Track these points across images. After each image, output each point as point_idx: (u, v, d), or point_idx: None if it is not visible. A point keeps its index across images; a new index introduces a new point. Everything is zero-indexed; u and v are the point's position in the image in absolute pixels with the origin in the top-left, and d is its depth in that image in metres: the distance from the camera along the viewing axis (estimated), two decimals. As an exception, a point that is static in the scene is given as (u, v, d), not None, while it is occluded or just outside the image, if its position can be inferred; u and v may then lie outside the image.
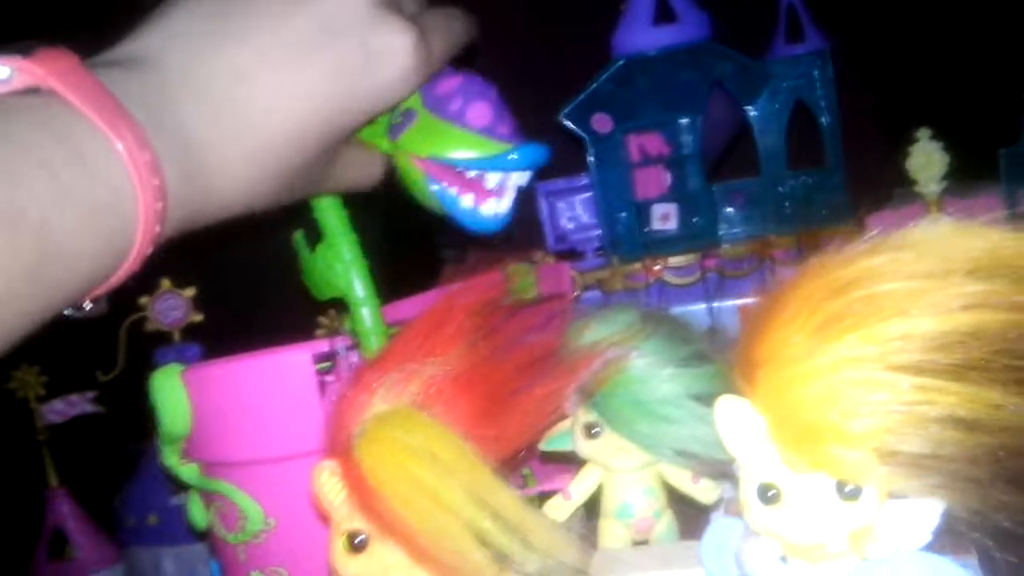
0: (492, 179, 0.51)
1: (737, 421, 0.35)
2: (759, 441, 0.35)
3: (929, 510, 0.32)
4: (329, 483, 0.38)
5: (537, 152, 0.51)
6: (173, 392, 0.54)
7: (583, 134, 0.87)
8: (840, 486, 0.33)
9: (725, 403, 0.35)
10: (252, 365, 0.54)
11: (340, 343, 0.56)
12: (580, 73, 0.89)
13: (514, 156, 0.49)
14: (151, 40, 0.44)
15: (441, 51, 0.51)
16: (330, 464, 0.38)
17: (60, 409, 1.06)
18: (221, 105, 0.43)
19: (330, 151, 0.48)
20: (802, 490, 0.33)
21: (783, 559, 0.36)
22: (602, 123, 0.86)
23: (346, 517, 0.38)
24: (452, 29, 0.52)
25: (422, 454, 0.35)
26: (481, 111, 0.50)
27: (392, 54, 0.47)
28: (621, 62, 0.86)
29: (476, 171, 0.50)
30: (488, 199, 0.51)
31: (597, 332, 0.48)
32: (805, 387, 0.32)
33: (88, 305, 0.41)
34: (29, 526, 1.06)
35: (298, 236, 0.59)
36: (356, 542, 0.38)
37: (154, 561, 1.01)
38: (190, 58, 0.43)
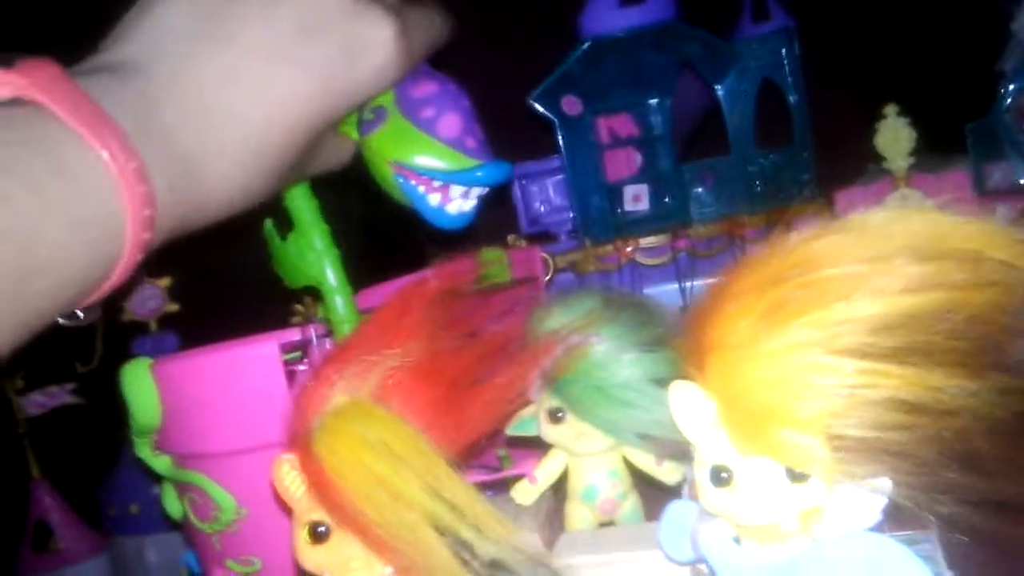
0: (456, 190, 0.52)
1: (689, 406, 0.36)
2: (711, 425, 0.35)
3: (877, 491, 0.33)
4: (290, 476, 0.39)
5: (499, 171, 0.51)
6: (143, 386, 0.54)
7: (553, 117, 0.87)
8: (789, 468, 0.34)
9: (677, 388, 0.36)
10: (219, 357, 0.54)
11: (313, 331, 0.57)
12: (549, 55, 0.89)
13: (478, 174, 0.50)
14: (134, 45, 0.44)
15: (421, 45, 0.51)
16: (290, 457, 0.39)
17: (40, 401, 1.07)
18: (208, 109, 0.43)
19: (314, 143, 0.49)
20: (753, 473, 0.34)
21: (736, 540, 0.36)
22: (571, 105, 0.87)
23: (307, 509, 0.39)
24: (432, 25, 0.52)
25: (378, 447, 0.36)
26: (452, 122, 0.50)
27: (374, 45, 0.47)
28: (588, 44, 0.86)
29: (439, 180, 0.51)
30: (454, 200, 0.52)
31: (559, 318, 0.49)
32: (752, 372, 0.33)
33: (81, 314, 0.42)
34: (12, 518, 1.07)
35: (268, 225, 0.60)
36: (318, 532, 0.38)
37: (137, 549, 1.02)
38: (174, 62, 0.43)
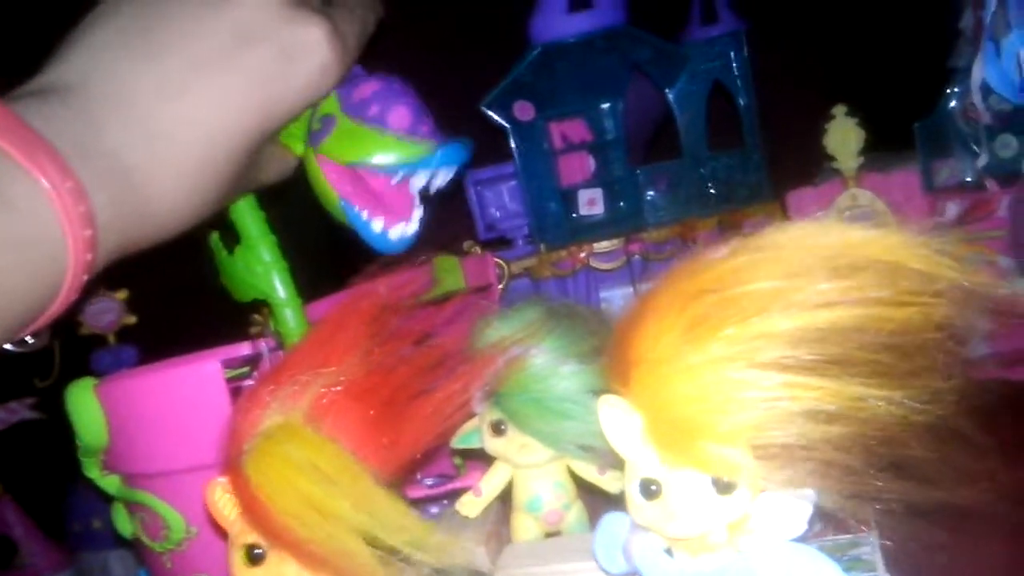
0: (419, 181, 0.52)
1: (617, 420, 0.36)
2: (638, 439, 0.36)
3: (802, 501, 0.33)
4: (223, 499, 0.39)
5: (460, 149, 0.51)
6: (87, 406, 0.54)
7: (505, 123, 0.87)
8: (716, 480, 0.34)
9: (605, 403, 0.36)
10: (161, 377, 0.54)
11: (264, 345, 0.56)
12: (500, 62, 0.89)
13: (438, 154, 0.50)
14: (71, 64, 0.44)
15: (355, 39, 0.51)
16: (222, 481, 0.39)
17: (0, 417, 1.06)
18: (147, 124, 0.43)
19: (257, 152, 0.49)
20: (680, 485, 0.34)
21: (668, 551, 0.37)
22: (524, 111, 0.87)
23: (242, 531, 0.39)
24: (362, 17, 0.52)
25: (306, 468, 0.36)
26: (401, 114, 0.50)
27: (309, 49, 0.47)
28: (539, 50, 0.86)
29: (402, 174, 0.51)
30: (397, 223, 0.52)
31: (499, 330, 0.49)
32: (674, 386, 0.33)
33: (30, 339, 0.42)
34: (-25, 536, 1.06)
35: (214, 238, 0.60)
36: (254, 555, 0.38)
37: (102, 564, 1.02)
38: (111, 79, 0.43)
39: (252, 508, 0.37)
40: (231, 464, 0.38)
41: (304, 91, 0.48)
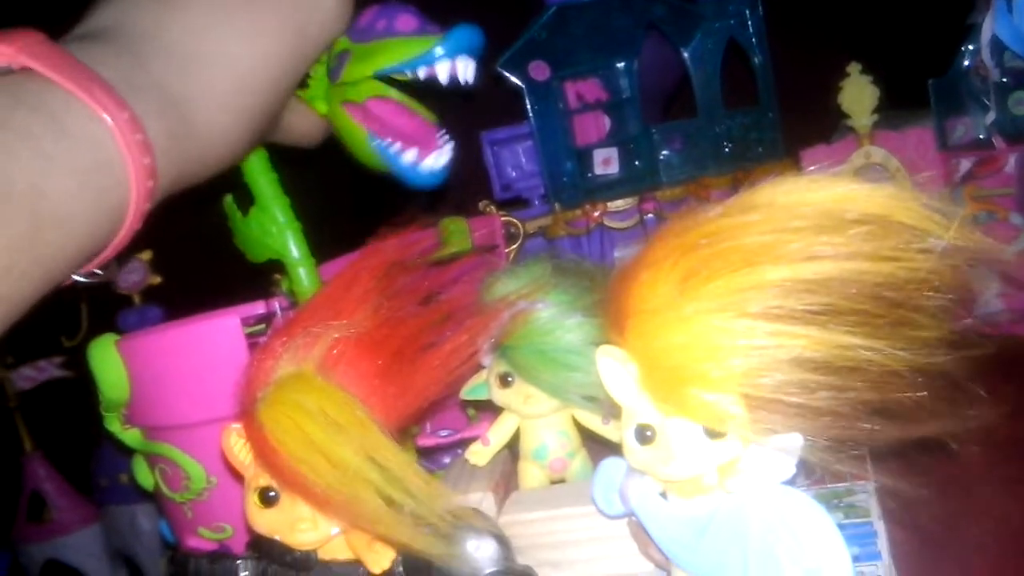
0: (443, 72, 0.52)
1: (614, 369, 0.37)
2: (634, 387, 0.37)
3: (790, 445, 0.35)
4: (238, 444, 0.41)
5: (472, 31, 0.52)
6: (109, 362, 0.55)
7: (520, 83, 0.87)
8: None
9: (603, 353, 0.37)
10: (182, 332, 0.55)
11: (277, 304, 0.58)
12: (515, 22, 0.89)
13: (452, 37, 0.51)
14: (105, 15, 0.46)
15: None
16: (237, 427, 0.41)
17: (29, 375, 1.08)
18: (191, 57, 0.45)
19: (288, 95, 0.51)
20: (674, 430, 0.36)
21: (663, 495, 0.38)
22: (539, 71, 0.87)
23: (256, 475, 0.41)
24: None
25: (316, 415, 0.37)
26: (407, 20, 0.52)
27: None
28: (554, 9, 0.86)
29: (424, 69, 0.51)
30: (429, 154, 0.54)
31: (507, 285, 0.50)
32: (668, 336, 0.34)
33: (99, 271, 0.44)
34: (6, 490, 1.09)
35: (228, 200, 0.61)
36: (267, 497, 0.40)
37: (130, 518, 1.04)
38: (150, 21, 0.45)
39: (264, 452, 0.39)
40: (245, 411, 0.40)
41: (323, 29, 0.51)
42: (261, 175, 0.59)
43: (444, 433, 0.57)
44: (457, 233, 0.69)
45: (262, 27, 0.48)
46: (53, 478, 1.09)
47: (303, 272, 0.60)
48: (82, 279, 0.44)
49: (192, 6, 0.46)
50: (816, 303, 0.32)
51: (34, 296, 0.39)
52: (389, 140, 0.53)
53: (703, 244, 0.34)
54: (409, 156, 0.53)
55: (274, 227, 0.59)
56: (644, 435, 0.37)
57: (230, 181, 0.56)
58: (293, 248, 0.60)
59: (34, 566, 1.08)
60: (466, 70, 0.52)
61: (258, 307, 0.58)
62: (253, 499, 0.41)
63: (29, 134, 0.38)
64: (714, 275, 0.33)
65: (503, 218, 0.85)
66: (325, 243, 0.63)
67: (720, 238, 0.34)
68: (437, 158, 0.54)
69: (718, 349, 0.33)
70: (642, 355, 0.36)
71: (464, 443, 0.55)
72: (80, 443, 1.08)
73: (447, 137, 0.55)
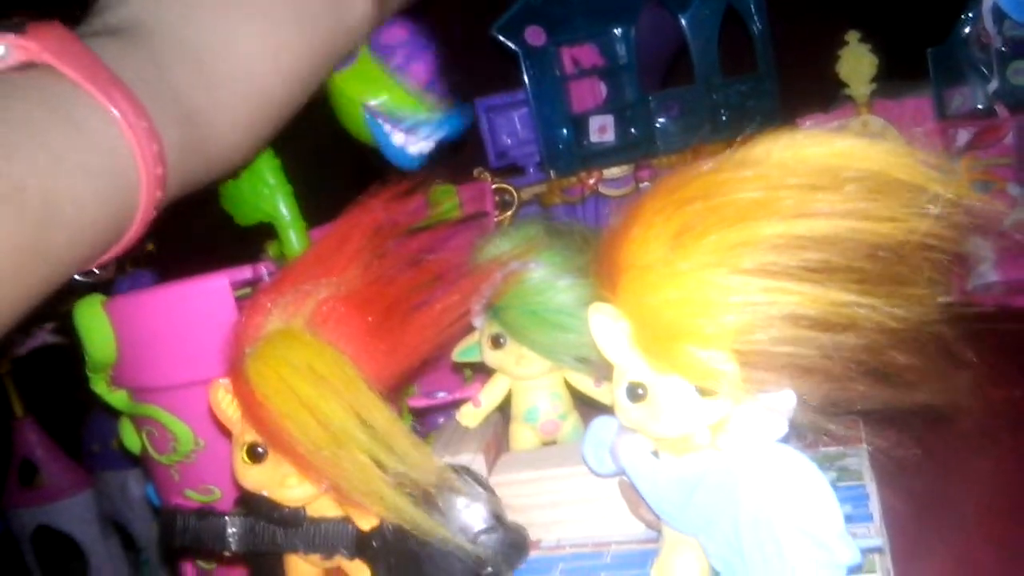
0: (413, 142, 0.55)
1: (606, 326, 0.37)
2: (626, 344, 0.36)
3: (783, 403, 0.34)
4: (226, 400, 0.40)
5: (458, 122, 0.55)
6: (96, 322, 0.55)
7: (516, 48, 0.86)
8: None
9: (595, 310, 0.37)
10: (171, 293, 0.55)
11: (264, 268, 0.57)
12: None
13: (438, 122, 0.54)
14: (130, 8, 0.45)
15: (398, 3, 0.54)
16: (225, 382, 0.40)
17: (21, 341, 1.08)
18: (213, 67, 0.45)
19: (303, 104, 0.51)
20: (665, 388, 0.35)
21: (655, 454, 0.38)
22: (535, 36, 0.86)
23: (244, 431, 0.40)
24: None
25: (303, 371, 0.37)
26: (419, 71, 0.53)
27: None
28: (551, -26, 0.85)
29: (407, 123, 0.54)
30: (417, 141, 0.55)
31: (499, 246, 0.50)
32: (660, 292, 0.34)
33: (98, 271, 0.44)
34: (-2, 456, 1.09)
35: None
36: (255, 453, 0.40)
37: (121, 484, 1.04)
38: (175, 22, 0.44)
39: (251, 408, 0.38)
40: (233, 366, 0.40)
41: (348, 37, 0.51)
42: None
43: (439, 395, 0.56)
44: (446, 200, 0.69)
45: (288, 42, 0.47)
46: (44, 444, 1.08)
47: (293, 235, 0.60)
48: (82, 279, 0.44)
49: (225, 10, 0.46)
50: (811, 260, 0.32)
51: (38, 296, 0.39)
52: (381, 120, 0.53)
53: (697, 200, 0.34)
54: (398, 139, 0.53)
55: (265, 189, 0.59)
56: (635, 393, 0.36)
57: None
58: (284, 210, 0.59)
59: (25, 532, 1.08)
60: (438, 136, 0.56)
61: (244, 272, 0.57)
62: (241, 455, 0.40)
63: (46, 136, 0.37)
64: (708, 231, 0.33)
65: (497, 186, 0.85)
66: (316, 208, 0.63)
67: (714, 193, 0.34)
68: (425, 144, 0.56)
69: (711, 305, 0.33)
70: (634, 312, 0.35)
71: (458, 404, 0.54)
72: (71, 409, 1.08)
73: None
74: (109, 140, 0.39)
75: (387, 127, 0.54)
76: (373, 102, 0.53)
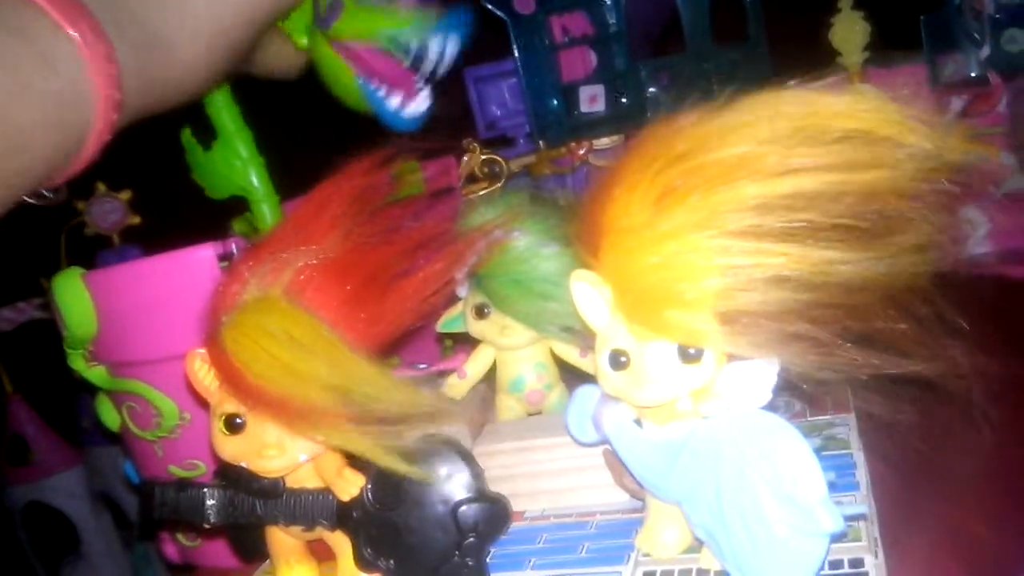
0: (428, 64, 0.53)
1: (588, 293, 0.36)
2: (608, 311, 0.36)
3: (766, 370, 0.34)
4: (203, 369, 0.40)
5: (466, 16, 0.53)
6: (75, 295, 0.54)
7: (505, 16, 0.85)
8: (682, 350, 0.34)
9: (577, 276, 0.36)
10: (156, 264, 0.54)
11: (234, 245, 0.56)
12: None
13: (451, 18, 0.52)
14: None
15: None
16: (201, 352, 0.40)
17: (9, 317, 1.07)
18: None
19: (266, 29, 0.50)
20: (648, 355, 0.35)
21: (637, 422, 0.37)
22: (524, 3, 0.85)
23: (222, 401, 0.40)
24: None
25: (280, 336, 0.37)
26: None
27: None
28: (540, -59, 0.84)
29: (413, 46, 0.52)
30: (413, 99, 0.54)
31: (483, 215, 0.49)
32: (643, 255, 0.33)
33: (49, 193, 0.43)
34: (-13, 434, 1.08)
35: (187, 134, 0.60)
36: (234, 424, 0.39)
37: (112, 460, 1.03)
38: None
39: (229, 376, 0.38)
40: (210, 335, 0.39)
41: None
42: (224, 109, 0.58)
43: (420, 368, 0.56)
44: (411, 177, 0.68)
45: None
46: (34, 420, 1.08)
47: (266, 209, 0.59)
48: (31, 200, 0.43)
49: None
50: (795, 220, 0.31)
51: None
52: (375, 84, 0.52)
53: (680, 159, 0.33)
54: (393, 101, 0.53)
55: (237, 161, 0.58)
56: (618, 360, 0.36)
57: (188, 114, 0.55)
58: (256, 183, 0.59)
59: (16, 508, 1.08)
60: (452, 48, 0.53)
61: (228, 244, 0.56)
62: (219, 426, 0.40)
63: (8, 58, 0.37)
64: (691, 191, 0.32)
65: (486, 157, 0.84)
66: (289, 181, 0.62)
67: (697, 151, 0.33)
68: (418, 104, 0.54)
69: (694, 269, 0.32)
70: (616, 277, 0.35)
71: (442, 376, 0.54)
72: (61, 385, 1.07)
73: (422, 83, 0.55)
74: (69, 65, 0.39)
75: (382, 91, 0.53)
76: (375, 36, 0.52)
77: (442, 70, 0.54)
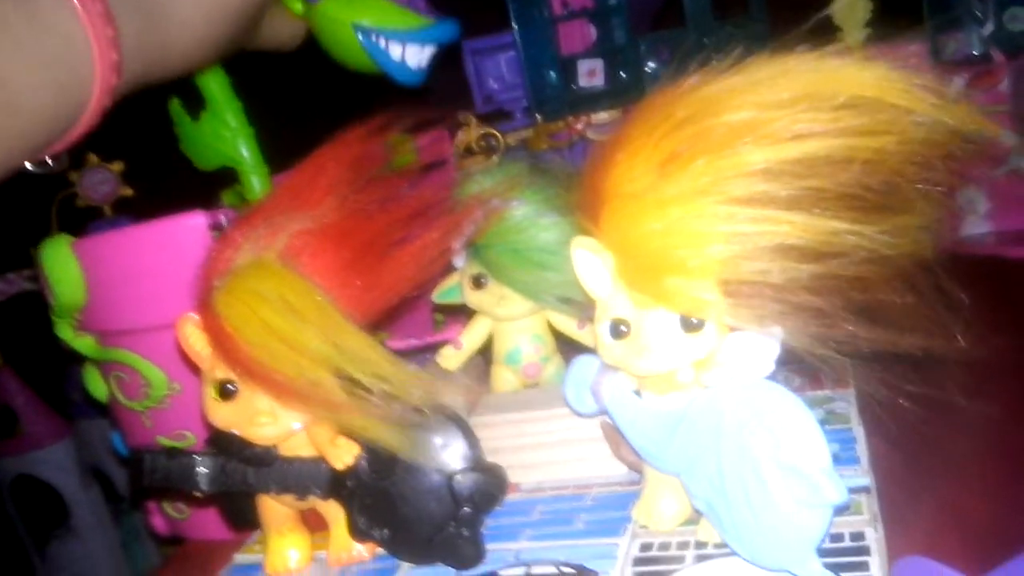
0: (413, 53, 0.53)
1: (588, 260, 0.36)
2: (609, 279, 0.35)
3: (768, 341, 0.33)
4: (195, 334, 0.39)
5: (450, 29, 0.54)
6: (64, 263, 0.53)
7: (504, -13, 0.84)
8: (684, 319, 0.34)
9: (577, 243, 0.36)
10: (148, 231, 0.53)
11: (222, 216, 0.56)
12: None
13: (441, 30, 0.53)
14: None
15: None
16: (193, 317, 0.39)
17: (-1, 288, 1.06)
18: None
19: (265, 5, 0.49)
20: (649, 324, 0.34)
21: (637, 393, 0.37)
22: (523, -25, 0.84)
23: (214, 367, 0.39)
24: None
25: (274, 301, 0.36)
26: None
27: None
28: (538, -90, 0.83)
29: (394, 42, 0.52)
30: (412, 47, 0.53)
31: (480, 184, 0.49)
32: (645, 222, 0.32)
33: (50, 161, 0.42)
34: (-24, 406, 1.07)
35: (175, 104, 0.59)
36: (226, 390, 0.39)
37: (101, 432, 1.03)
38: None
39: (221, 342, 0.37)
40: (202, 300, 0.38)
41: None
42: (212, 78, 0.57)
43: (411, 341, 0.55)
44: (403, 150, 0.67)
45: None
46: (24, 392, 1.07)
47: (255, 180, 0.58)
48: (32, 168, 0.42)
49: None
50: (801, 187, 0.31)
51: None
52: (375, 36, 0.52)
53: (685, 122, 0.32)
54: (395, 51, 0.52)
55: (226, 132, 0.58)
56: (619, 330, 0.35)
57: (176, 85, 0.54)
58: (245, 153, 0.58)
59: (5, 481, 1.08)
60: (427, 58, 0.55)
61: (218, 213, 0.55)
62: (211, 392, 0.39)
63: (5, 21, 0.36)
64: (695, 155, 0.32)
65: (483, 131, 0.83)
66: (280, 153, 0.61)
67: (703, 114, 0.32)
68: (420, 52, 0.54)
69: (698, 235, 0.31)
70: (618, 243, 0.34)
71: (434, 348, 0.53)
72: (51, 357, 1.07)
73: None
74: (67, 28, 0.38)
75: (383, 43, 0.53)
76: (361, 21, 0.51)
77: (406, 77, 0.54)
